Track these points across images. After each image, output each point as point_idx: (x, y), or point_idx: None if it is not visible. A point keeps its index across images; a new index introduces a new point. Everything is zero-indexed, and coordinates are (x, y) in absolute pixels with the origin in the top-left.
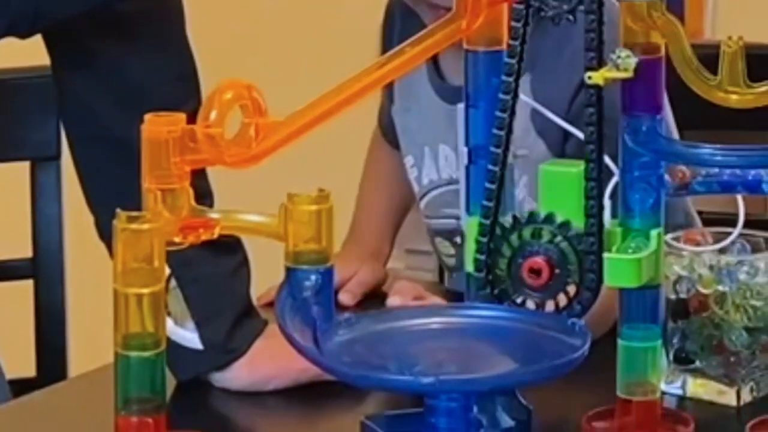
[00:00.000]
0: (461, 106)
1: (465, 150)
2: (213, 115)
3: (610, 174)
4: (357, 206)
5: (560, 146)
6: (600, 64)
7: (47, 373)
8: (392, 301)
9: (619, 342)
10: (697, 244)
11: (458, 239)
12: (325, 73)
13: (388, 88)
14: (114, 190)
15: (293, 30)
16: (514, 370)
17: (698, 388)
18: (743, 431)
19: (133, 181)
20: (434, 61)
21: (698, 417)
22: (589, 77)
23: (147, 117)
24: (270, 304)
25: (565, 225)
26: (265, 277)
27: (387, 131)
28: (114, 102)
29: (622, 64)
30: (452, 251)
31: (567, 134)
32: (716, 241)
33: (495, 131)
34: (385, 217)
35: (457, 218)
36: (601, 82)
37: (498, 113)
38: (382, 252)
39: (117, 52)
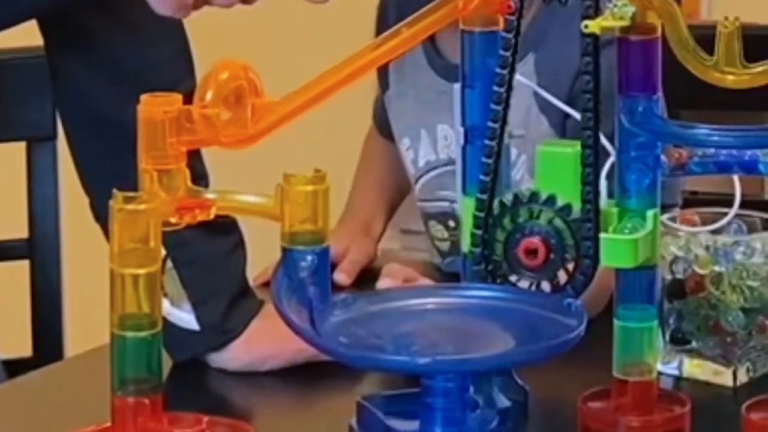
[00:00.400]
0: (457, 86)
1: (461, 130)
2: (209, 95)
3: (607, 154)
4: (351, 191)
5: (562, 124)
6: (596, 49)
7: (43, 353)
8: (382, 283)
9: (616, 322)
10: (693, 224)
11: (452, 223)
12: (321, 53)
13: (383, 76)
14: (109, 172)
15: (289, 10)
16: (510, 351)
17: (694, 368)
18: (739, 412)
19: (128, 162)
20: (432, 41)
21: (694, 397)
22: (586, 26)
23: (143, 98)
24: (266, 285)
25: (561, 205)
26: (261, 258)
27: (382, 126)
28: (108, 84)
29: (619, 13)
30: (445, 234)
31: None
32: (713, 221)
33: (492, 107)
34: (378, 199)
35: (451, 201)
36: (597, 30)
37: (495, 90)
38: (373, 230)
39: (110, 34)
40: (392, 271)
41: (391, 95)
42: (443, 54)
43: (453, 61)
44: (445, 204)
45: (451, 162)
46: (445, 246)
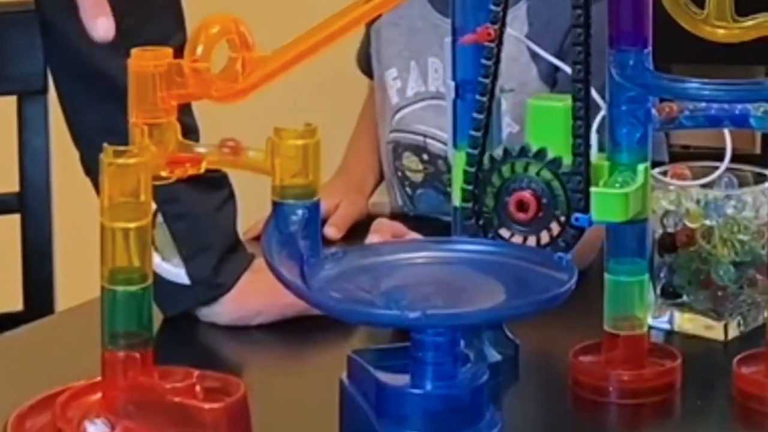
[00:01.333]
0: (448, 40)
1: (452, 84)
2: (200, 49)
3: (598, 108)
4: (346, 149)
5: (552, 75)
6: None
7: (34, 307)
8: (370, 240)
9: (607, 276)
10: (684, 178)
11: (426, 156)
12: (313, 7)
13: None
14: (99, 126)
15: None
16: (500, 305)
17: (685, 322)
18: (730, 365)
19: (118, 117)
20: None
21: (685, 351)
22: None
23: (134, 52)
24: (257, 239)
25: (552, 159)
26: (251, 212)
27: (364, 60)
28: None
29: None
30: (420, 166)
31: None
32: (704, 175)
33: (483, 63)
34: (371, 158)
35: (425, 135)
36: None
37: (486, 45)
38: (365, 186)
39: None
40: (380, 227)
41: (382, 24)
42: None
43: None
44: (420, 138)
45: (438, 95)
46: (418, 177)
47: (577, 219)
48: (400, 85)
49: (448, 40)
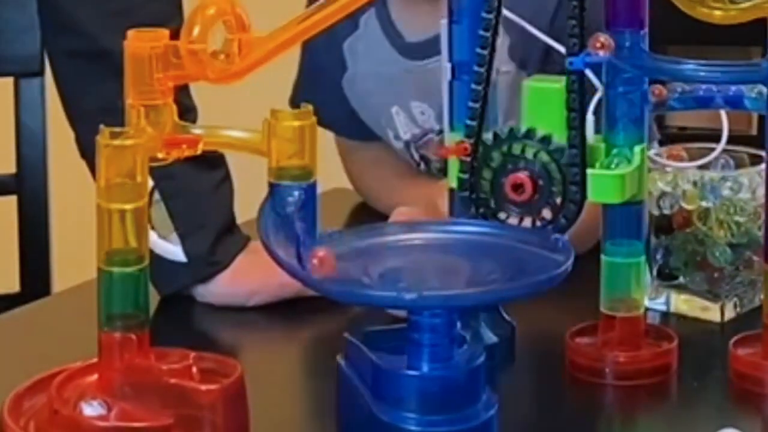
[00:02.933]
0: (444, 21)
1: (449, 66)
2: (196, 30)
3: (594, 89)
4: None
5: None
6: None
7: (31, 288)
8: None
9: (603, 258)
10: (681, 160)
11: None
12: None
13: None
14: (98, 106)
15: None
16: (497, 286)
17: (682, 304)
18: (727, 347)
19: (115, 97)
20: (388, 19)
21: (682, 333)
22: None
23: (130, 33)
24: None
25: (549, 140)
26: (247, 193)
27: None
28: (100, 16)
29: None
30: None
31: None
32: (700, 156)
33: (478, 52)
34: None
35: None
36: None
37: (481, 34)
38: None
39: None
40: (400, 216)
41: (352, 76)
42: (401, 33)
43: (412, 39)
44: None
45: (434, 130)
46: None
47: (571, 63)
48: (393, 134)
49: (444, 21)
